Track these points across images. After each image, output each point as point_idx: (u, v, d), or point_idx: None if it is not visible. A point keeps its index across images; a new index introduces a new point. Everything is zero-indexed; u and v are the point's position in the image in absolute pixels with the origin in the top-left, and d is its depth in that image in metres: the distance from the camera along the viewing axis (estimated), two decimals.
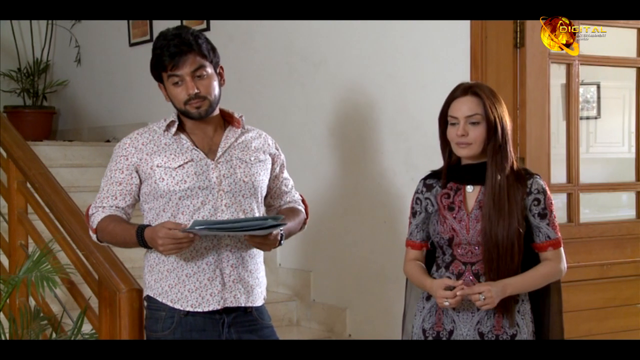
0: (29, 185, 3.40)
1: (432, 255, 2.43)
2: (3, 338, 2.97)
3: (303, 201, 2.59)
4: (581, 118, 3.64)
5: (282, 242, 2.33)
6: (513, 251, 2.24)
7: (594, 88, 4.23)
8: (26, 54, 5.77)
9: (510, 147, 2.30)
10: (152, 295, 2.39)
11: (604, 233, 3.51)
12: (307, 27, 4.01)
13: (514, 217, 2.25)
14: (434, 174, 2.42)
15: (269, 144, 2.50)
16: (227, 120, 2.46)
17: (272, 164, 2.50)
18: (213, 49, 2.37)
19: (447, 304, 2.21)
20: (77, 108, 5.89)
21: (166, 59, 2.29)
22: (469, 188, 2.34)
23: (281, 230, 2.30)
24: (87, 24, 5.63)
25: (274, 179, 2.52)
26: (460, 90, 2.31)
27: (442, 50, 3.43)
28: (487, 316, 2.28)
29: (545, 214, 2.32)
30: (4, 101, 5.61)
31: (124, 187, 2.38)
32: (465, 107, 2.28)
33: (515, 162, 2.33)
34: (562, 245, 2.35)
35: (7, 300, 3.02)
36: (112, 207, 2.38)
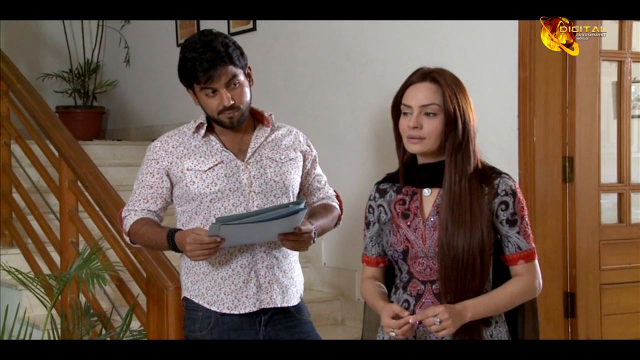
0: (79, 183, 3.46)
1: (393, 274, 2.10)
2: (55, 333, 3.03)
3: (337, 197, 2.54)
4: (633, 116, 3.57)
5: (315, 239, 2.28)
6: (474, 268, 1.90)
7: None
8: (77, 55, 5.88)
9: (473, 146, 1.96)
10: (189, 297, 2.39)
11: None
12: (353, 26, 4.00)
13: (477, 228, 1.90)
14: (388, 177, 2.09)
15: (299, 141, 2.47)
16: (257, 119, 2.44)
17: (304, 161, 2.46)
18: (242, 53, 2.33)
19: (392, 334, 1.88)
20: (126, 108, 5.98)
21: (200, 73, 2.24)
22: (426, 191, 2.00)
23: (314, 228, 2.26)
24: (136, 25, 5.71)
25: (306, 175, 2.49)
26: (418, 75, 1.97)
27: (490, 49, 3.39)
28: None
29: (515, 220, 1.95)
30: (56, 101, 5.72)
31: (154, 190, 2.37)
32: (421, 94, 1.94)
33: (480, 162, 1.99)
34: (536, 257, 1.99)
35: (59, 297, 3.08)
36: (143, 210, 2.37)
